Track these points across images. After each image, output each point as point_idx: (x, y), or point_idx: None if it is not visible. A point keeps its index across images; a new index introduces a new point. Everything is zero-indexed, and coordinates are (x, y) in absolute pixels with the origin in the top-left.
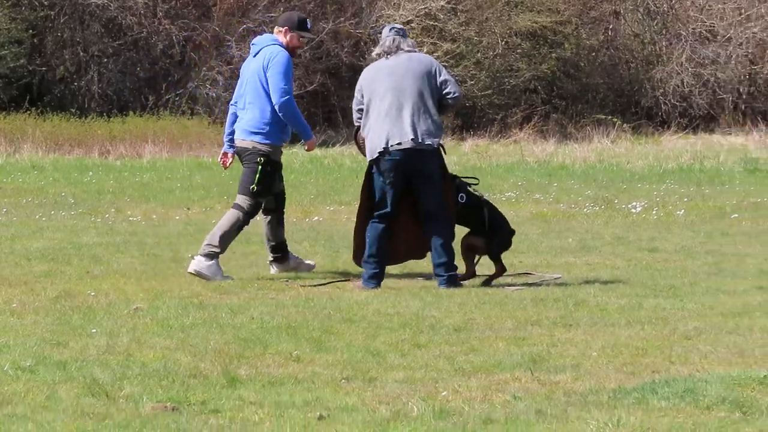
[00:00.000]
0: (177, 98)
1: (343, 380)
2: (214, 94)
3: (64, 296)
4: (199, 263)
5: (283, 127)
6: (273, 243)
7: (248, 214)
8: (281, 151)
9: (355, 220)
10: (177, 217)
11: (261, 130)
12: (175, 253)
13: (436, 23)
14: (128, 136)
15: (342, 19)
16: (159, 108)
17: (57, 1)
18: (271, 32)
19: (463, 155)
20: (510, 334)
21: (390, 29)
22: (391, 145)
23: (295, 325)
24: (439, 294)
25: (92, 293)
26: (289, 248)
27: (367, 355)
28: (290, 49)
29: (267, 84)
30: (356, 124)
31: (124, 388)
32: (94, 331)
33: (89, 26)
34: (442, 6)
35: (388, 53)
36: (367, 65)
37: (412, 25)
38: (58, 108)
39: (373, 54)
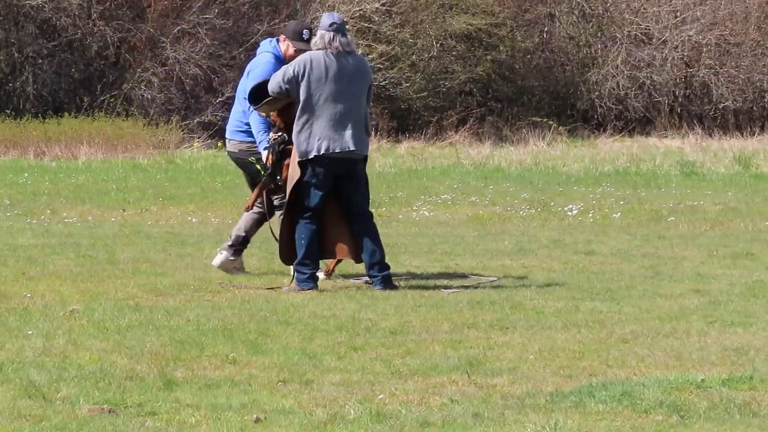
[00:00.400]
0: (112, 99)
1: (279, 383)
2: (149, 96)
3: (0, 298)
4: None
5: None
6: (242, 235)
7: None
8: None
9: (278, 219)
10: (113, 219)
11: (239, 128)
12: (111, 254)
13: (370, 25)
14: (63, 138)
15: (277, 20)
16: (94, 109)
17: None
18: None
19: (398, 158)
20: (446, 337)
21: (330, 25)
22: (331, 151)
23: (231, 328)
24: (375, 296)
25: (28, 295)
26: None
27: (304, 358)
28: (286, 57)
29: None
30: (271, 92)
31: (61, 390)
32: (30, 332)
33: (24, 27)
34: (377, 8)
35: (333, 51)
36: None
37: (346, 27)
38: None
39: (313, 44)
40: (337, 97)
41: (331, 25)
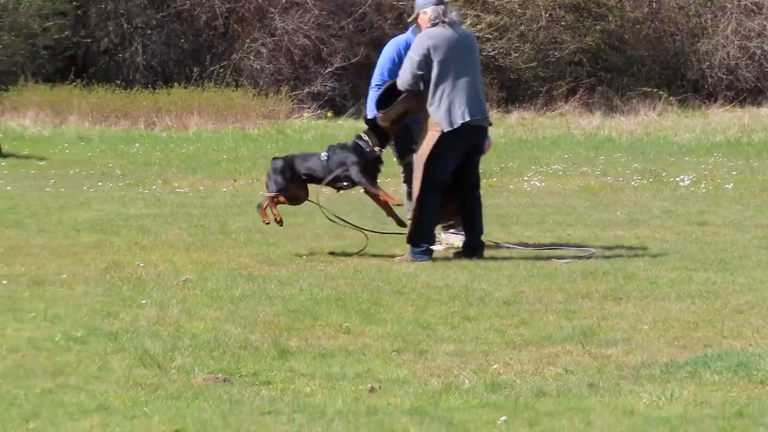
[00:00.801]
0: (221, 70)
1: (393, 352)
2: (258, 66)
3: (114, 267)
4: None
5: None
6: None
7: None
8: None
9: (413, 195)
10: (224, 189)
11: None
12: (223, 224)
13: None
14: (174, 108)
15: None
16: (204, 80)
17: None
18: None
19: (508, 128)
20: (560, 307)
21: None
22: (473, 118)
23: (344, 297)
24: (488, 267)
25: (141, 264)
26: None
27: (418, 328)
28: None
29: None
30: (407, 87)
31: (176, 359)
32: (144, 302)
33: None
34: None
35: (449, 24)
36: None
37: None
38: (103, 79)
39: (428, 21)
40: (464, 67)
41: (438, 1)
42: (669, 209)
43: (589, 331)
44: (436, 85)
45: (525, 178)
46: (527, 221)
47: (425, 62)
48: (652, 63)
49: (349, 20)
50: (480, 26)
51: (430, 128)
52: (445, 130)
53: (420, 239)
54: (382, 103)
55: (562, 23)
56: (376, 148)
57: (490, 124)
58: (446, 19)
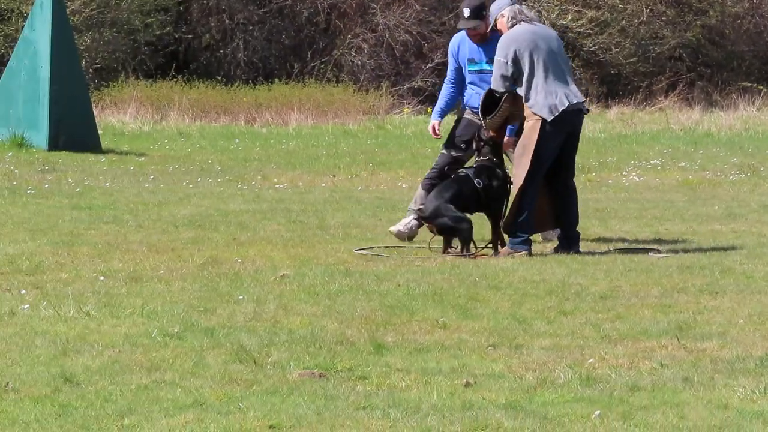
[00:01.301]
0: (322, 66)
1: (489, 347)
2: (359, 62)
3: (211, 263)
4: None
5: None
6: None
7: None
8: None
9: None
10: (323, 185)
11: None
12: (321, 220)
13: None
14: (274, 104)
15: None
16: (304, 75)
17: None
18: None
19: (608, 123)
20: (656, 301)
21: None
22: (572, 103)
23: (441, 292)
24: (585, 261)
25: (239, 260)
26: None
27: (513, 322)
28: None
29: None
30: (502, 89)
31: (272, 355)
32: (240, 297)
33: None
34: None
35: (526, 21)
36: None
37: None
38: (204, 75)
39: (507, 21)
40: (551, 57)
41: (513, 1)
42: (766, 203)
43: (685, 325)
44: (529, 80)
45: (624, 173)
46: (625, 216)
47: (513, 63)
48: (752, 58)
49: (450, 15)
50: (581, 21)
51: (529, 118)
52: (548, 119)
53: (519, 228)
54: (485, 111)
55: (663, 18)
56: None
57: (588, 111)
58: (523, 17)
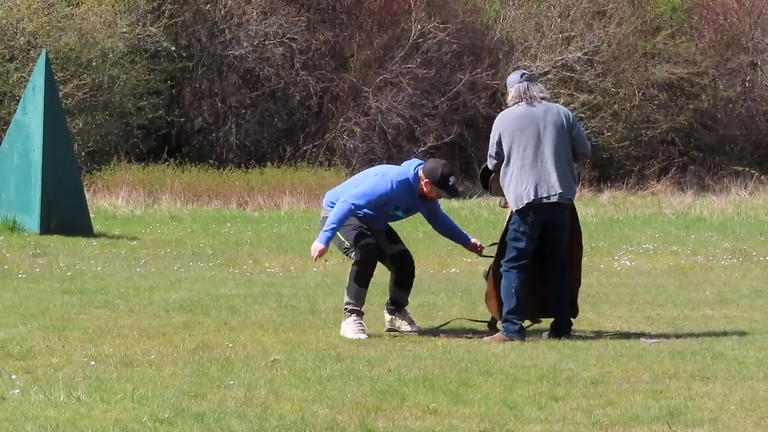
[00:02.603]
0: (314, 149)
1: None
2: (351, 145)
3: (202, 348)
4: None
5: None
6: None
7: (359, 262)
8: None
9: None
10: (315, 269)
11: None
12: (313, 304)
13: (572, 74)
14: (266, 187)
15: (479, 70)
16: (297, 159)
17: (195, 52)
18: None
19: (600, 207)
20: (647, 387)
21: (521, 75)
22: (541, 197)
23: (432, 378)
24: (576, 346)
25: (230, 345)
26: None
27: (505, 408)
28: (424, 195)
29: None
30: (490, 167)
31: None
32: (231, 382)
33: (227, 77)
34: (579, 57)
35: (527, 101)
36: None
37: (549, 76)
38: (196, 159)
39: (510, 100)
40: (539, 143)
41: (522, 76)
42: (758, 289)
43: (676, 411)
44: (506, 166)
45: (615, 258)
46: (617, 300)
47: (499, 144)
48: (744, 142)
49: (443, 99)
50: (573, 105)
51: (508, 205)
52: (513, 209)
53: (510, 314)
54: (484, 184)
55: (655, 102)
56: None
57: (569, 200)
58: (527, 97)
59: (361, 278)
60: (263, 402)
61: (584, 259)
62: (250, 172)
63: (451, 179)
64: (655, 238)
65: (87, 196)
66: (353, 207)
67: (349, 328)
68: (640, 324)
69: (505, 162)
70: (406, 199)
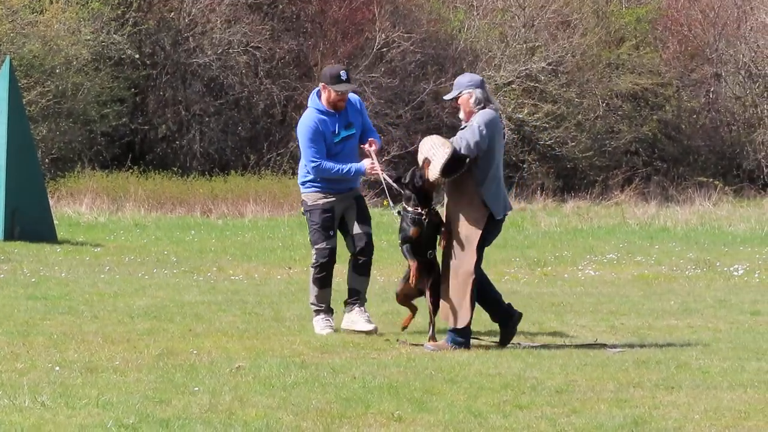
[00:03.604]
0: (278, 157)
1: None
2: None
3: (167, 354)
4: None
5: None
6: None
7: (315, 265)
8: (332, 196)
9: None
10: (278, 277)
11: (302, 179)
12: (277, 312)
13: (537, 84)
14: (230, 195)
15: (443, 79)
16: (260, 167)
17: (159, 60)
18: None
19: (564, 217)
20: (612, 396)
21: (482, 83)
22: (508, 210)
23: (396, 385)
24: (541, 355)
25: (194, 351)
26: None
27: (469, 416)
28: (331, 104)
29: None
30: (468, 155)
31: None
32: (196, 389)
33: (191, 85)
34: (543, 67)
35: (493, 109)
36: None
37: (513, 86)
38: (160, 166)
39: (479, 103)
40: (501, 156)
41: (482, 83)
42: (722, 299)
43: (641, 420)
44: (489, 168)
45: (579, 267)
46: (581, 310)
47: (490, 138)
48: (708, 153)
49: (407, 108)
50: (537, 115)
51: (478, 209)
52: (496, 217)
53: (467, 325)
54: (446, 170)
55: (619, 113)
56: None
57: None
58: (491, 105)
59: (317, 281)
60: (228, 408)
61: (548, 268)
62: (213, 180)
63: (342, 73)
64: (619, 248)
65: (51, 202)
66: (316, 163)
67: (317, 325)
68: (604, 333)
69: (488, 164)
70: (326, 120)
